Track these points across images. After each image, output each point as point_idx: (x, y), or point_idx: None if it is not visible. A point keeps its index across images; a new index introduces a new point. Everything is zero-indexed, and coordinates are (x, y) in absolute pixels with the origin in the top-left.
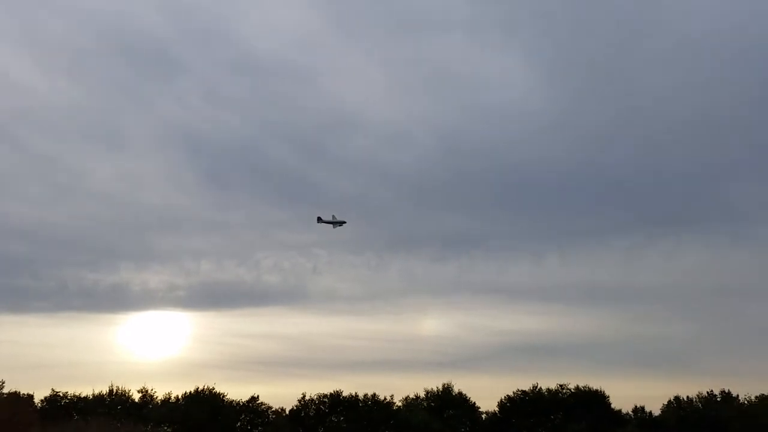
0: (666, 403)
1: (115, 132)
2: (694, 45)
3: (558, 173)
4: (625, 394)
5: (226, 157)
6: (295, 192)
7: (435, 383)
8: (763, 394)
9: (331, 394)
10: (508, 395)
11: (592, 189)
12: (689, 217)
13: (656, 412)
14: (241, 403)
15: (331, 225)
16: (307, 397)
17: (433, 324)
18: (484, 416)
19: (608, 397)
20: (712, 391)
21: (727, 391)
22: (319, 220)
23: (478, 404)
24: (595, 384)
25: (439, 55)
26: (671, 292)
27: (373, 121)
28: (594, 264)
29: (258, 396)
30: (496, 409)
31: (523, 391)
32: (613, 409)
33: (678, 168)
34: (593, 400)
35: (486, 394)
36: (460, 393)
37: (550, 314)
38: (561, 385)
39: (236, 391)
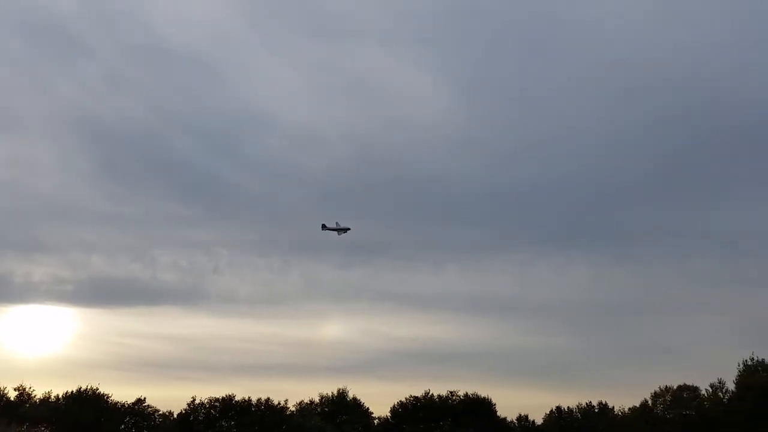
0: (548, 412)
1: (7, 112)
2: (603, 72)
3: (462, 188)
4: (511, 403)
5: (126, 147)
6: (199, 188)
7: (331, 388)
8: (635, 406)
9: (222, 398)
10: (400, 401)
11: (492, 205)
12: (578, 236)
13: (539, 420)
14: (127, 405)
15: (336, 232)
16: (197, 401)
17: (334, 329)
18: (376, 422)
19: (495, 404)
20: (590, 402)
21: (604, 403)
22: (324, 227)
23: (371, 410)
24: (483, 392)
25: (355, 63)
26: (559, 306)
27: (285, 123)
28: (490, 276)
29: (145, 398)
30: (389, 414)
31: (416, 397)
32: (498, 417)
33: (573, 189)
34: (480, 408)
35: (381, 399)
36: (354, 398)
37: (446, 323)
38: (451, 392)
39: (123, 393)
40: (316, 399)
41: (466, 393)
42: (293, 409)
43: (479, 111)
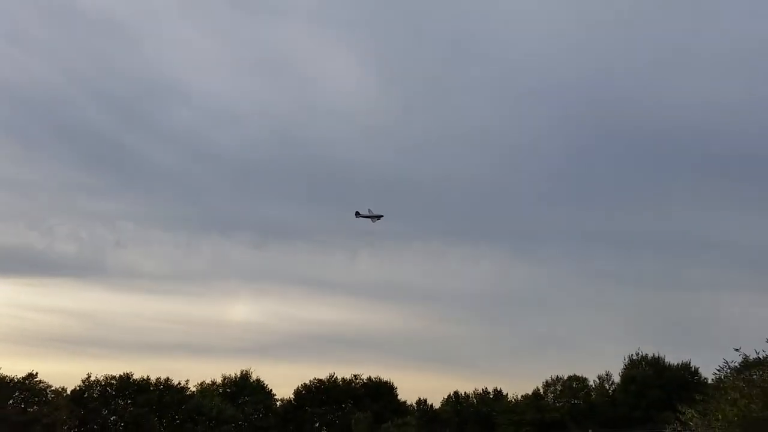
0: (446, 397)
1: None
2: (513, 73)
3: (377, 175)
4: (412, 387)
5: (27, 108)
6: (105, 157)
7: (236, 369)
8: (528, 394)
9: (120, 376)
10: (304, 383)
11: (405, 194)
12: (486, 229)
13: (437, 405)
14: (16, 380)
15: (370, 219)
16: (92, 378)
17: (242, 310)
18: (279, 403)
19: (396, 388)
20: (486, 388)
21: (499, 390)
22: (357, 214)
23: (275, 392)
24: (386, 376)
25: (278, 40)
26: (465, 297)
27: (200, 96)
28: (401, 264)
29: (36, 373)
30: (292, 396)
31: (320, 380)
32: (399, 400)
33: (483, 184)
34: (381, 391)
35: (286, 381)
36: (257, 380)
37: (355, 308)
38: (355, 376)
39: (12, 367)
40: (219, 380)
41: (370, 377)
42: (194, 389)
43: (397, 99)
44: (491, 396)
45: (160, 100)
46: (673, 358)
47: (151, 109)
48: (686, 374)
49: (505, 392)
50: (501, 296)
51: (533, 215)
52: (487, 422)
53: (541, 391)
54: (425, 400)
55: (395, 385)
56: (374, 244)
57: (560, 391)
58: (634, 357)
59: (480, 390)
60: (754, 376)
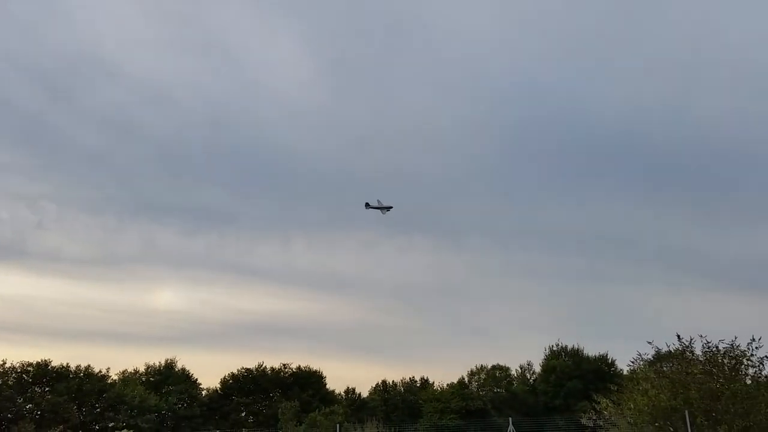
0: (374, 386)
1: None
2: (447, 66)
3: (314, 164)
4: (341, 376)
5: None
6: (27, 134)
7: (162, 358)
8: (453, 383)
9: (37, 362)
10: (231, 373)
11: (341, 184)
12: (420, 222)
13: (365, 393)
14: None
15: (380, 211)
16: (8, 365)
17: (170, 298)
18: (204, 393)
19: (325, 378)
20: (413, 377)
21: (426, 378)
22: (367, 206)
23: (201, 381)
24: (315, 365)
25: (216, 21)
26: (397, 287)
27: (132, 74)
28: (334, 254)
29: None
30: (219, 386)
31: (248, 369)
32: (327, 389)
33: (412, 175)
34: (310, 380)
35: (214, 371)
36: (183, 369)
37: (287, 297)
38: (284, 365)
39: None
40: (142, 368)
41: (299, 366)
42: (116, 378)
43: (338, 86)
44: (418, 385)
45: (89, 78)
46: (591, 350)
47: (80, 85)
48: (603, 365)
49: (431, 381)
50: (431, 287)
51: (463, 208)
52: (414, 410)
53: (466, 379)
54: (354, 389)
55: (324, 374)
56: (308, 234)
57: (484, 379)
58: (555, 348)
59: (408, 379)
60: (665, 368)
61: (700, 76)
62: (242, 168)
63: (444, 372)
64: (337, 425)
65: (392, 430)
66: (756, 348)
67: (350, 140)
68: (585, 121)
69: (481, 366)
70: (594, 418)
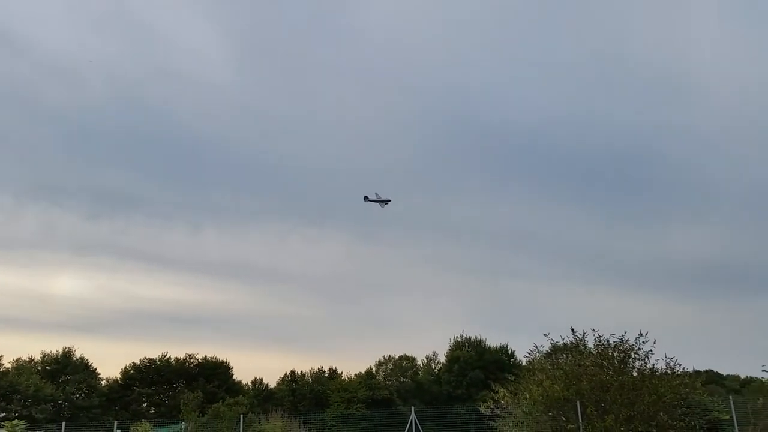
0: (282, 376)
1: None
2: (364, 63)
3: (228, 153)
4: (249, 366)
5: None
6: None
7: (60, 346)
8: (361, 373)
9: None
10: (134, 362)
11: (255, 173)
12: (334, 213)
13: (273, 384)
14: None
15: (379, 204)
16: None
17: (69, 283)
18: (104, 382)
19: (232, 368)
20: (322, 367)
21: (334, 369)
22: (366, 198)
23: (102, 371)
24: (222, 356)
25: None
26: (310, 278)
27: (38, 49)
28: (246, 244)
29: None
30: (119, 376)
31: (151, 359)
32: (234, 380)
33: (332, 168)
34: (217, 371)
35: (116, 360)
36: (81, 358)
37: (196, 286)
38: (190, 355)
39: None
40: (38, 357)
41: (205, 356)
42: (9, 366)
43: (258, 76)
44: (326, 375)
45: None
46: (493, 341)
47: None
48: (504, 356)
49: (340, 371)
50: (342, 278)
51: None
52: (321, 400)
53: (373, 369)
54: (261, 380)
55: (232, 365)
56: (218, 222)
57: (390, 369)
58: (459, 339)
59: (317, 369)
60: (560, 360)
61: (613, 81)
62: (150, 152)
63: (353, 363)
64: (241, 416)
65: (299, 420)
66: (643, 342)
67: (267, 128)
68: (503, 123)
69: (389, 356)
70: (492, 407)
